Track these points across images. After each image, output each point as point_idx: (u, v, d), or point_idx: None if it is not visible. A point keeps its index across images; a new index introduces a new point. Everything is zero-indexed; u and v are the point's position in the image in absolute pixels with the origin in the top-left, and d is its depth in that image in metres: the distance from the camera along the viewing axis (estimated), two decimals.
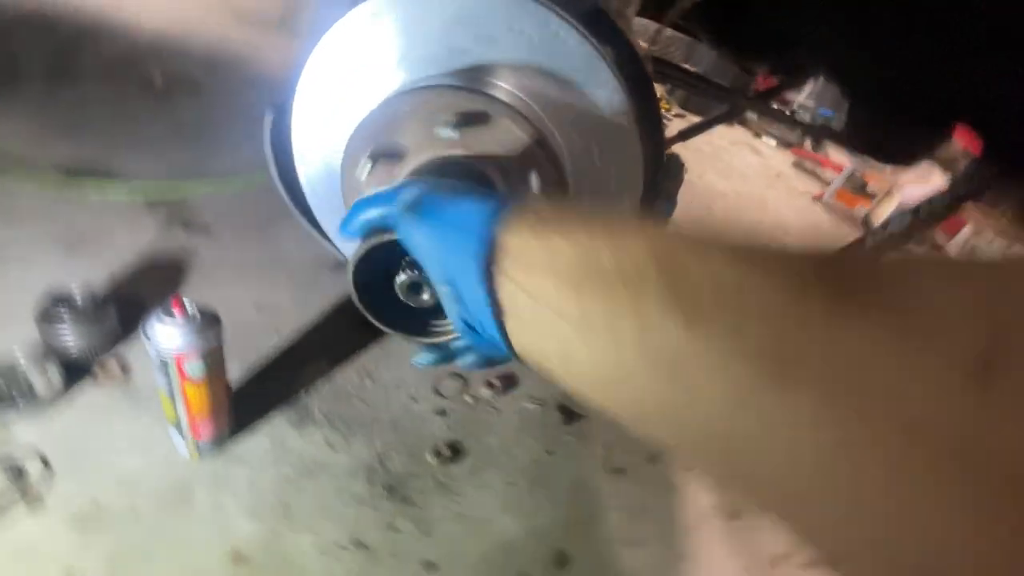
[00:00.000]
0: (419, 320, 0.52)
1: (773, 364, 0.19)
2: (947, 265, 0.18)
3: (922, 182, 3.01)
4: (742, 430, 0.21)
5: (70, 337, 0.96)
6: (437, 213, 0.37)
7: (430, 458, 1.04)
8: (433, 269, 0.37)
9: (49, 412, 0.91)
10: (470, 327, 0.38)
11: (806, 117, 4.49)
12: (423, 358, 0.51)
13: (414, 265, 0.48)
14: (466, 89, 0.56)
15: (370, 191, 0.60)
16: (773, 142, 4.41)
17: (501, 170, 0.58)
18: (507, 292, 0.31)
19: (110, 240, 1.28)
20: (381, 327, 0.51)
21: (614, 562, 0.99)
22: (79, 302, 0.99)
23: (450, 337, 0.51)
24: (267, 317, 1.22)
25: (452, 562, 0.90)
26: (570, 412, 1.23)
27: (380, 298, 0.51)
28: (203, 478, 0.89)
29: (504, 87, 0.61)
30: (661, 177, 0.72)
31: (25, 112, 1.62)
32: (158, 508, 0.84)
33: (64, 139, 1.55)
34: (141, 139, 1.66)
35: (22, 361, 0.93)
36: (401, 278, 0.48)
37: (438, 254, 0.36)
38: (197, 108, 1.95)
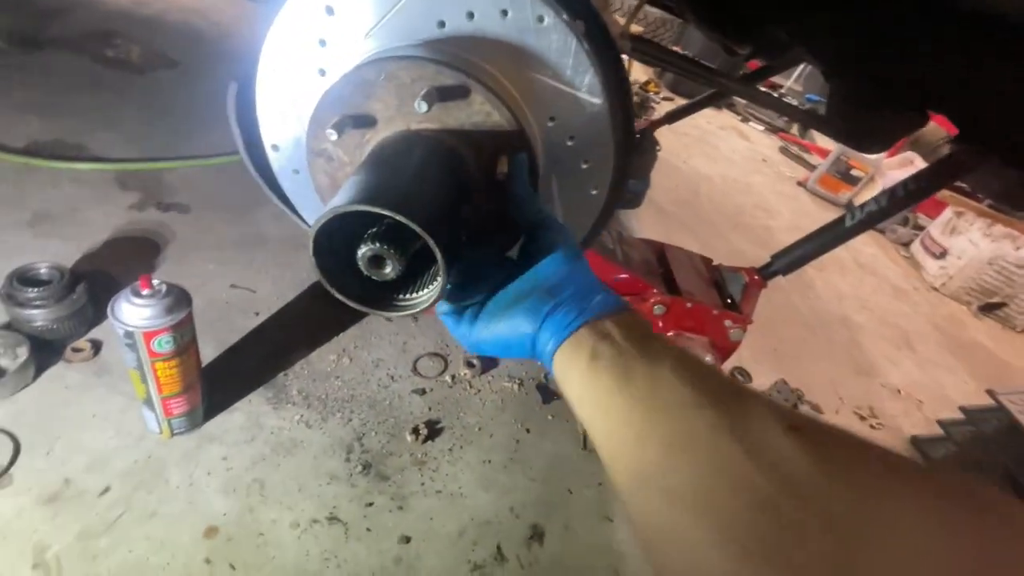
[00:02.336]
0: (382, 293, 0.52)
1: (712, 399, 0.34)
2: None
3: (904, 168, 3.04)
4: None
5: (39, 317, 0.95)
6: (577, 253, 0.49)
7: (408, 436, 1.05)
8: (545, 281, 0.47)
9: (19, 392, 0.90)
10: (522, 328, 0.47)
11: (793, 102, 4.49)
12: (443, 307, 0.54)
13: (376, 238, 0.47)
14: (443, 63, 0.55)
15: (340, 155, 0.60)
16: (760, 127, 4.41)
17: (473, 147, 0.58)
18: (589, 333, 0.43)
19: (82, 219, 1.25)
20: (347, 302, 0.50)
21: (588, 536, 1.01)
22: (47, 281, 0.97)
23: (417, 310, 0.51)
24: (244, 297, 1.21)
25: (428, 536, 0.91)
26: (548, 391, 1.25)
27: (344, 272, 0.51)
28: (176, 456, 0.89)
29: (478, 63, 0.60)
30: (633, 155, 0.72)
31: None
32: (129, 486, 0.84)
33: (35, 115, 1.51)
34: (114, 116, 1.62)
35: None
36: (362, 250, 0.47)
37: (566, 272, 0.47)
38: (173, 84, 1.90)
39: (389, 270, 0.48)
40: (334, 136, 0.55)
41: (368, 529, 0.89)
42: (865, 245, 3.04)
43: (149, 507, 0.82)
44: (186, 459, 0.89)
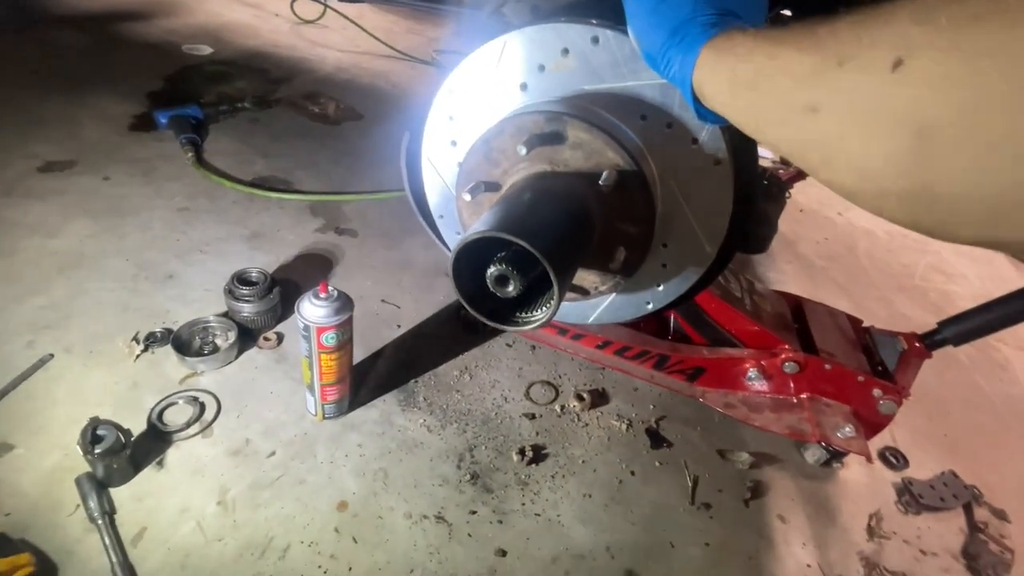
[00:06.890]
0: (504, 310, 0.60)
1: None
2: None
3: None
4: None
5: (246, 309, 1.21)
6: None
7: (514, 456, 1.11)
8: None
9: (225, 366, 1.16)
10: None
11: None
12: None
13: (503, 260, 0.56)
14: (564, 114, 0.63)
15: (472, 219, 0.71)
16: None
17: (591, 186, 0.64)
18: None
19: (282, 238, 1.58)
20: (473, 312, 0.59)
21: None
22: (256, 283, 1.24)
23: (532, 327, 0.58)
24: (390, 311, 1.40)
25: (523, 555, 0.95)
26: (658, 437, 1.22)
27: (475, 289, 0.60)
28: (324, 436, 1.06)
29: (604, 114, 0.67)
30: (760, 201, 0.72)
31: (237, 134, 2.06)
32: (289, 454, 1.02)
33: (260, 157, 1.95)
34: (312, 158, 2.01)
35: (213, 324, 1.20)
36: (491, 270, 0.56)
37: None
38: (357, 133, 2.29)
39: (511, 288, 0.56)
40: (468, 199, 0.66)
41: (469, 535, 0.96)
42: None
43: (300, 475, 0.99)
44: (331, 440, 1.06)
